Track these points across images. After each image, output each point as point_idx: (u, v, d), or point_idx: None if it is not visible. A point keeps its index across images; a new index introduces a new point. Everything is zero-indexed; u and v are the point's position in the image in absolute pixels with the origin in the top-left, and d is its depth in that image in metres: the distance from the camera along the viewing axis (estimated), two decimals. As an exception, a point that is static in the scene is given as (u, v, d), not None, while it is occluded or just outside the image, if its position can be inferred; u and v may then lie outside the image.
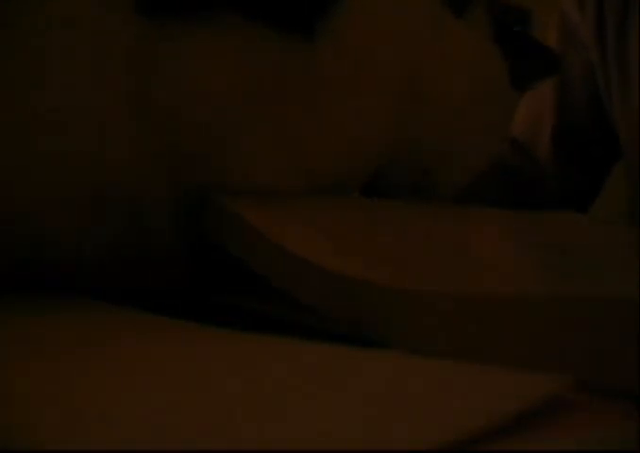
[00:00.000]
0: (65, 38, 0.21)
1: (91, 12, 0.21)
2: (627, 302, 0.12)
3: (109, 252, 0.24)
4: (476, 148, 0.30)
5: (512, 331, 0.14)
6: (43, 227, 0.22)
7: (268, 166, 0.25)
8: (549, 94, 0.65)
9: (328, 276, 0.19)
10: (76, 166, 0.22)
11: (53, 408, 0.11)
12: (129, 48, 0.22)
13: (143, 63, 0.22)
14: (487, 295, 0.15)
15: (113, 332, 0.17)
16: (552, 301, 0.14)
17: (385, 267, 0.20)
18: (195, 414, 0.11)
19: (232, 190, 0.24)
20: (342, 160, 0.27)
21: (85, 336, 0.17)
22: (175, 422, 0.10)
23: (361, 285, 0.18)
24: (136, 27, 0.22)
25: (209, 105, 0.23)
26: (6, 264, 0.22)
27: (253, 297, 0.23)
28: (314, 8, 0.24)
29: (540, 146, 0.66)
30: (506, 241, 0.26)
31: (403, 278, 0.18)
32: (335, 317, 0.19)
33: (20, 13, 0.21)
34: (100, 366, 0.14)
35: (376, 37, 0.26)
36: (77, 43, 0.21)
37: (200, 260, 0.26)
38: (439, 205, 0.32)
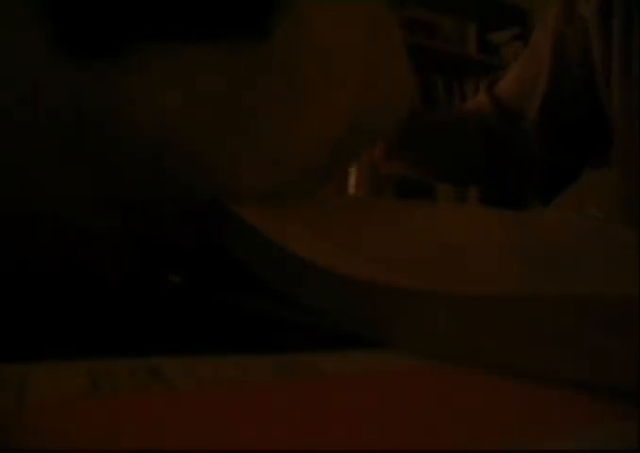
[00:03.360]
0: None
1: (15, 64, 0.20)
2: (627, 302, 0.12)
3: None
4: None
5: (512, 331, 0.14)
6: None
7: (249, 168, 0.25)
8: (545, 62, 0.65)
9: (328, 277, 0.19)
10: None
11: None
12: (52, 90, 0.21)
13: (69, 105, 0.21)
14: (487, 295, 0.15)
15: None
16: (552, 301, 0.14)
17: (385, 267, 0.20)
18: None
19: (228, 190, 0.24)
20: (313, 151, 0.27)
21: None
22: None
23: (361, 285, 0.18)
24: (63, 73, 0.21)
25: (174, 125, 0.22)
26: None
27: (253, 297, 0.23)
28: (264, 8, 0.23)
29: (528, 113, 0.66)
30: (506, 241, 0.26)
31: (404, 278, 0.18)
32: (335, 317, 0.19)
33: None
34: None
35: (329, 31, 0.26)
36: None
37: (200, 260, 0.26)
38: (440, 205, 0.32)
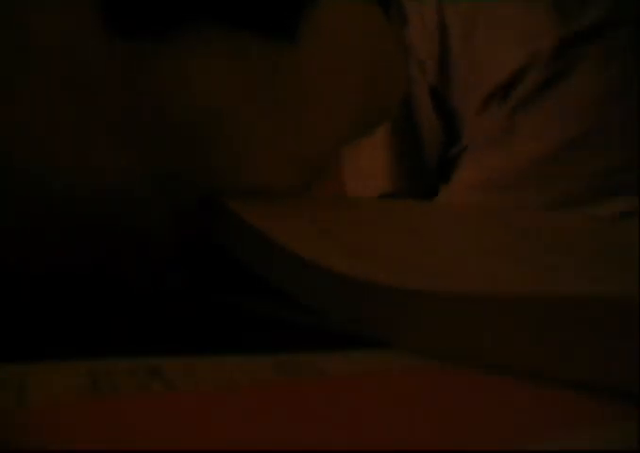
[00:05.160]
0: (29, 56, 0.21)
1: (61, 41, 0.21)
2: (627, 302, 0.12)
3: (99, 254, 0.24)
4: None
5: (512, 332, 0.14)
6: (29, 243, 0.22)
7: (265, 163, 0.25)
8: None
9: (328, 276, 0.19)
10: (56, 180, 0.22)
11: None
12: (103, 71, 0.21)
13: (122, 83, 0.22)
14: (487, 295, 0.15)
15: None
16: (552, 301, 0.14)
17: (386, 267, 0.20)
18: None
19: (231, 189, 0.24)
20: (328, 144, 0.28)
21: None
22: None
23: (361, 285, 0.18)
24: (109, 51, 0.21)
25: (200, 109, 0.23)
26: None
27: (253, 297, 0.23)
28: (295, 13, 0.24)
29: None
30: (507, 240, 0.26)
31: (404, 278, 0.18)
32: (335, 317, 0.19)
33: None
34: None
35: (344, 36, 0.27)
36: (48, 71, 0.21)
37: (200, 260, 0.26)
38: (440, 204, 0.32)
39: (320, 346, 0.16)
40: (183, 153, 0.23)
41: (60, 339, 0.17)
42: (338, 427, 0.10)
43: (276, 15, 0.24)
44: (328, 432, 0.10)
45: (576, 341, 0.13)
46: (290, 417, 0.11)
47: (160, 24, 0.21)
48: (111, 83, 0.21)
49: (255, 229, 0.22)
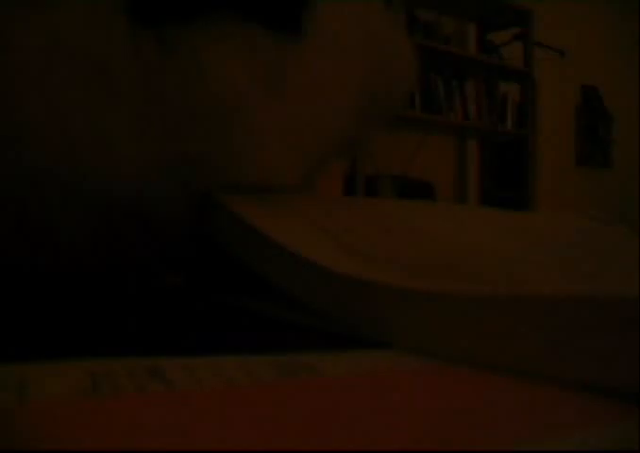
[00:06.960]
0: (57, 54, 0.21)
1: (85, 28, 0.21)
2: (627, 302, 0.12)
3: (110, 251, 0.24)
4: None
5: (511, 331, 0.14)
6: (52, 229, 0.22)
7: (270, 155, 0.25)
8: None
9: (328, 276, 0.19)
10: (80, 172, 0.22)
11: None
12: (127, 61, 0.22)
13: (144, 72, 0.22)
14: (487, 295, 0.15)
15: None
16: (552, 301, 0.14)
17: (386, 267, 0.20)
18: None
19: (236, 182, 0.24)
20: (329, 137, 0.28)
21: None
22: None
23: (361, 285, 0.18)
24: (132, 39, 0.22)
25: (215, 98, 0.23)
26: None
27: (253, 297, 0.23)
28: (301, 11, 0.25)
29: None
30: (506, 240, 0.26)
31: (404, 278, 0.18)
32: (335, 317, 0.19)
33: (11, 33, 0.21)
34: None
35: (347, 29, 0.28)
36: (71, 59, 0.21)
37: (200, 260, 0.26)
38: (440, 205, 0.32)
39: (320, 346, 0.16)
40: (199, 138, 0.23)
41: (60, 339, 0.17)
42: (338, 427, 0.10)
43: (282, 7, 0.24)
44: (327, 432, 0.10)
45: (576, 341, 0.13)
46: (290, 417, 0.11)
47: (182, 11, 0.22)
48: (138, 73, 0.22)
49: (255, 229, 0.22)
